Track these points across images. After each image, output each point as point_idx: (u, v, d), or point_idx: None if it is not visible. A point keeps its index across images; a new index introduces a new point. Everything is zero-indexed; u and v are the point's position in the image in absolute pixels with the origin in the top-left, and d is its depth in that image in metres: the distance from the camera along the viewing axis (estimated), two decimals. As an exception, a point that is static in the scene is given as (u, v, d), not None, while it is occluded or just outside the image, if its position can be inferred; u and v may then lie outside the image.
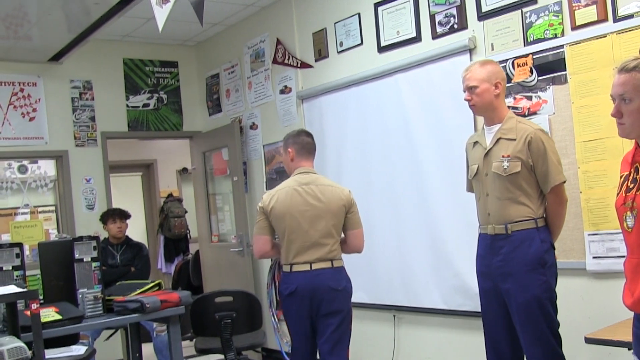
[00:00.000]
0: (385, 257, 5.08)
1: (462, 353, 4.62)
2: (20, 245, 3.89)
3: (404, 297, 4.98)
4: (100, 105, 6.73)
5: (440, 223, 4.66)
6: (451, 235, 4.58)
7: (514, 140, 3.29)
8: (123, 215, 5.95)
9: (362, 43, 5.24)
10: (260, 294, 6.11)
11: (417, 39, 4.78)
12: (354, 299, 5.40)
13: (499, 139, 3.35)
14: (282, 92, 6.05)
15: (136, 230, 8.31)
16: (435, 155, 4.67)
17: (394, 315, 5.09)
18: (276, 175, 6.12)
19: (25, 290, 3.17)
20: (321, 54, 5.62)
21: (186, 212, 8.65)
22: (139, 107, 6.99)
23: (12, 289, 3.20)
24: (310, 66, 5.74)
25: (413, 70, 4.79)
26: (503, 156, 3.30)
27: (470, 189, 3.64)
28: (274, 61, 6.10)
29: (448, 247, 4.61)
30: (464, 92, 3.44)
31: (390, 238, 5.04)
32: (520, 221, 3.28)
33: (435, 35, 4.66)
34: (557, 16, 3.89)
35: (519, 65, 4.11)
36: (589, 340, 3.12)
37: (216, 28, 6.76)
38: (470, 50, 4.40)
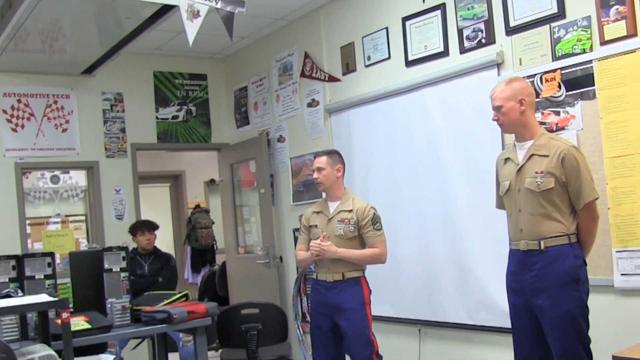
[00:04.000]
0: (411, 271, 5.07)
1: (488, 369, 4.60)
2: (52, 255, 3.95)
3: (429, 311, 4.96)
4: (131, 117, 6.83)
5: (466, 238, 4.64)
6: (477, 251, 4.56)
7: (547, 156, 3.30)
8: (151, 226, 6.01)
9: (389, 57, 5.26)
10: (286, 307, 6.14)
11: (445, 53, 4.78)
12: (379, 313, 5.42)
13: (532, 155, 3.36)
14: (309, 105, 6.10)
15: (164, 240, 8.38)
16: (461, 170, 4.66)
17: (419, 330, 5.07)
18: (303, 188, 6.15)
19: (56, 299, 3.21)
20: (349, 67, 5.65)
21: (213, 223, 8.71)
22: (168, 119, 7.08)
23: (43, 297, 3.26)
24: (337, 80, 5.77)
25: (440, 85, 4.79)
26: (536, 172, 3.30)
27: (499, 205, 3.64)
28: (302, 74, 6.15)
29: (474, 262, 4.59)
30: (493, 111, 3.48)
31: (416, 252, 5.03)
32: (554, 237, 3.28)
33: (462, 50, 4.66)
34: (586, 31, 3.88)
35: (547, 81, 4.09)
36: (616, 359, 3.09)
37: (245, 41, 6.83)
38: (498, 65, 4.39)
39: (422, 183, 4.97)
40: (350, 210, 4.19)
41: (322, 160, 4.28)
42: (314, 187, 5.99)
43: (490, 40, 4.46)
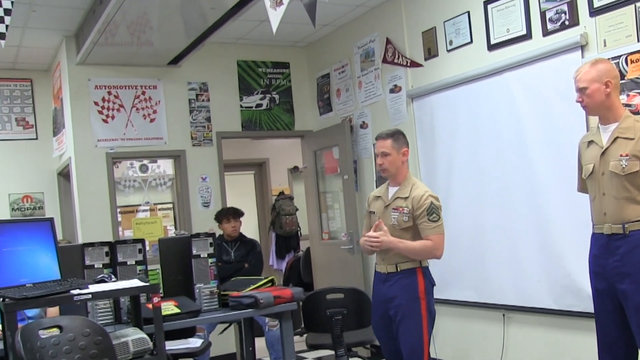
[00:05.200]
0: (496, 256, 5.01)
1: (572, 354, 4.51)
2: (142, 241, 4.07)
3: (514, 296, 4.90)
4: (216, 106, 6.96)
5: (552, 222, 4.55)
6: (563, 235, 4.47)
7: (633, 139, 3.21)
8: (237, 214, 6.10)
9: (471, 41, 5.17)
10: (370, 291, 6.13)
11: (528, 36, 4.67)
12: (463, 297, 5.36)
13: (617, 137, 3.27)
14: (392, 91, 6.04)
15: (249, 227, 8.51)
16: (547, 154, 4.56)
17: (504, 315, 5.01)
18: (386, 174, 6.12)
19: (148, 284, 3.31)
20: (431, 52, 5.57)
21: (297, 209, 8.78)
22: (252, 107, 7.17)
23: (135, 282, 3.36)
24: (420, 65, 5.70)
25: (523, 68, 4.69)
26: (621, 155, 3.22)
27: (581, 188, 3.56)
28: (384, 60, 6.10)
29: (559, 246, 4.50)
30: (576, 93, 3.37)
31: (501, 237, 4.96)
32: (639, 221, 3.18)
33: (545, 32, 4.53)
34: (679, 8, 3.69)
35: (632, 62, 3.94)
36: None
37: (326, 29, 6.83)
38: (582, 47, 4.26)
39: (506, 167, 4.89)
40: (406, 198, 3.83)
41: (386, 145, 3.88)
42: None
43: (574, 21, 4.32)
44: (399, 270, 3.81)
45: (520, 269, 4.82)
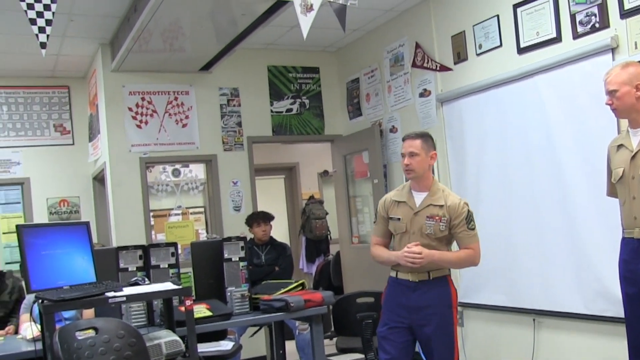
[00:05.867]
0: (526, 261, 4.99)
1: (603, 359, 4.46)
2: (175, 245, 4.14)
3: (544, 301, 4.87)
4: (246, 111, 7.02)
5: (582, 226, 4.52)
6: (593, 239, 4.44)
7: None
8: (267, 218, 6.14)
9: (501, 45, 5.16)
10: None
11: (557, 39, 4.65)
12: (494, 302, 5.34)
13: None
14: (421, 95, 6.06)
15: (279, 231, 8.56)
16: (576, 158, 4.53)
17: (534, 319, 4.98)
18: (416, 178, 6.12)
19: (180, 287, 3.37)
20: (460, 56, 5.58)
21: (327, 213, 8.81)
22: (282, 112, 7.23)
23: (168, 285, 3.43)
24: (449, 69, 5.71)
25: (553, 72, 4.67)
26: None
27: (610, 192, 3.54)
28: (413, 65, 6.12)
29: (590, 250, 4.47)
30: (606, 95, 3.35)
31: (530, 241, 4.94)
32: None
33: (576, 35, 4.51)
34: None
35: (664, 65, 3.89)
36: None
37: (356, 34, 6.86)
38: (613, 50, 4.23)
39: (536, 171, 4.87)
40: (442, 206, 3.63)
41: (416, 145, 3.66)
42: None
43: (604, 24, 4.29)
44: (431, 278, 3.61)
45: (551, 273, 4.79)
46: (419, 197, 3.70)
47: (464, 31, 5.51)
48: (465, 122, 5.54)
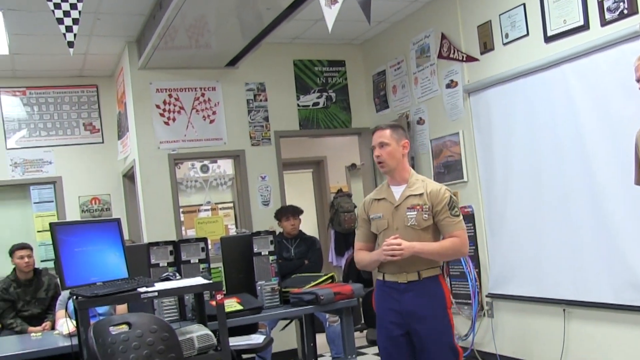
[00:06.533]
0: (555, 251, 4.95)
1: (634, 350, 4.43)
2: (205, 240, 4.17)
3: (574, 291, 4.83)
4: (273, 105, 7.05)
5: (612, 216, 4.47)
6: (623, 228, 4.39)
7: None
8: (296, 212, 6.16)
9: (527, 34, 5.11)
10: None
11: (585, 27, 4.59)
12: (523, 292, 5.30)
13: None
14: (448, 86, 6.02)
15: (308, 224, 8.57)
16: (606, 147, 4.48)
17: (564, 310, 4.95)
18: (444, 170, 6.10)
19: (211, 281, 3.40)
20: (486, 46, 5.53)
21: (355, 207, 8.80)
22: (309, 106, 7.24)
23: (199, 280, 3.46)
24: (476, 59, 5.66)
25: (581, 60, 4.61)
26: None
27: (638, 181, 3.45)
28: (440, 56, 6.09)
29: (620, 240, 4.42)
30: (637, 82, 3.29)
31: (560, 231, 4.90)
32: None
33: (604, 22, 4.45)
34: None
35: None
36: None
37: (381, 26, 6.84)
38: (641, 37, 4.17)
39: (565, 160, 4.82)
40: (421, 195, 3.46)
41: (385, 135, 3.52)
42: (455, 169, 5.94)
43: (633, 10, 4.23)
44: (421, 278, 3.42)
45: (580, 263, 4.75)
46: (397, 191, 3.55)
47: (490, 21, 5.46)
48: (493, 113, 5.50)
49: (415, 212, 3.44)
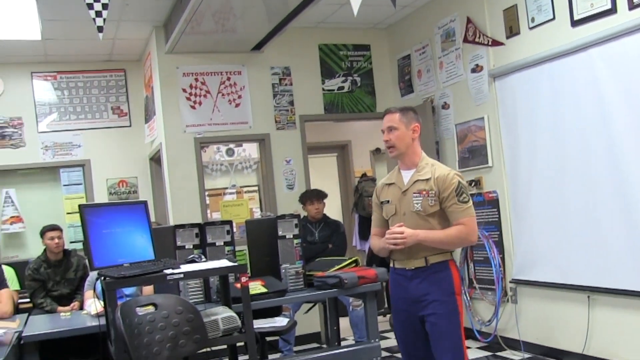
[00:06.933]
0: (580, 237, 4.93)
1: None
2: (230, 223, 4.21)
3: (599, 277, 4.81)
4: (298, 89, 7.07)
5: (638, 203, 4.44)
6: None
7: None
8: (320, 196, 6.18)
9: (554, 18, 5.06)
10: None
11: (612, 10, 4.54)
12: (547, 279, 5.28)
13: None
14: (473, 70, 5.99)
15: (332, 209, 8.60)
16: (632, 133, 4.44)
17: (588, 297, 4.93)
18: (469, 154, 6.09)
19: (236, 264, 3.44)
20: (512, 30, 5.49)
21: (380, 191, 8.79)
22: (334, 90, 7.25)
23: (224, 262, 3.50)
24: (501, 44, 5.62)
25: (608, 44, 4.57)
26: None
27: None
28: (465, 40, 6.05)
29: (647, 227, 4.38)
30: None
31: (585, 217, 4.88)
32: None
33: (632, 6, 4.40)
34: None
35: None
36: None
37: (406, 10, 6.81)
38: (671, 19, 4.11)
39: (590, 146, 4.79)
40: (429, 179, 3.35)
41: (394, 118, 3.42)
42: (479, 153, 5.92)
43: (663, -7, 4.17)
44: (428, 264, 3.33)
45: (605, 250, 4.73)
46: (407, 175, 3.46)
47: (516, 5, 5.42)
48: (518, 98, 5.46)
49: (422, 198, 3.34)
